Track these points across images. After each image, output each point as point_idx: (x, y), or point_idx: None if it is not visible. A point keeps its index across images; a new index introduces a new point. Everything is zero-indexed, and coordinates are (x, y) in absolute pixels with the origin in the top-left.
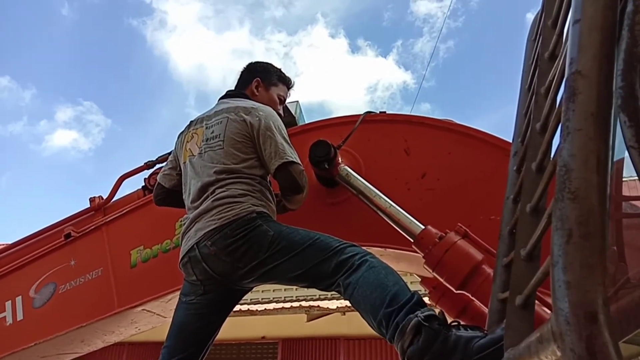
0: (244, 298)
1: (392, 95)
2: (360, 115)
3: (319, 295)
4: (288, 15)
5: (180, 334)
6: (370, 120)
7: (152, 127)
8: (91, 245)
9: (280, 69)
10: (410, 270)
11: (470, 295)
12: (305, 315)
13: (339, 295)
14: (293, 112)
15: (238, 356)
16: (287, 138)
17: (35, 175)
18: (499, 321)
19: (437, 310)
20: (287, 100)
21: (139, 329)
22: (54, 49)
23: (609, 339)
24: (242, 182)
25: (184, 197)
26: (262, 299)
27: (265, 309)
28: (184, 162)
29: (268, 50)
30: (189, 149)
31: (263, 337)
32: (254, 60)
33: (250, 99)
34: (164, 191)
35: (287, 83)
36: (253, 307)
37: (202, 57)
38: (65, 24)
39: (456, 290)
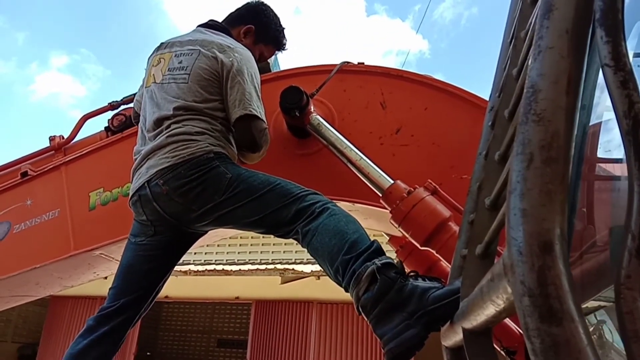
0: (219, 258)
1: (408, 62)
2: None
3: (294, 258)
4: None
5: (127, 276)
6: (347, 70)
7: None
8: (49, 185)
9: (282, 30)
10: (378, 227)
11: (435, 252)
12: (280, 278)
13: (314, 259)
14: None
15: (212, 315)
16: (258, 89)
17: (21, 116)
18: (459, 277)
19: (395, 260)
20: None
21: (97, 274)
22: None
23: (564, 271)
24: (201, 119)
25: (140, 123)
26: (237, 260)
27: (240, 269)
28: (147, 87)
29: (277, 3)
30: (153, 74)
31: (237, 298)
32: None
33: (232, 38)
34: (138, 116)
35: (279, 47)
36: (228, 268)
37: (199, 3)
38: None
39: (421, 246)
